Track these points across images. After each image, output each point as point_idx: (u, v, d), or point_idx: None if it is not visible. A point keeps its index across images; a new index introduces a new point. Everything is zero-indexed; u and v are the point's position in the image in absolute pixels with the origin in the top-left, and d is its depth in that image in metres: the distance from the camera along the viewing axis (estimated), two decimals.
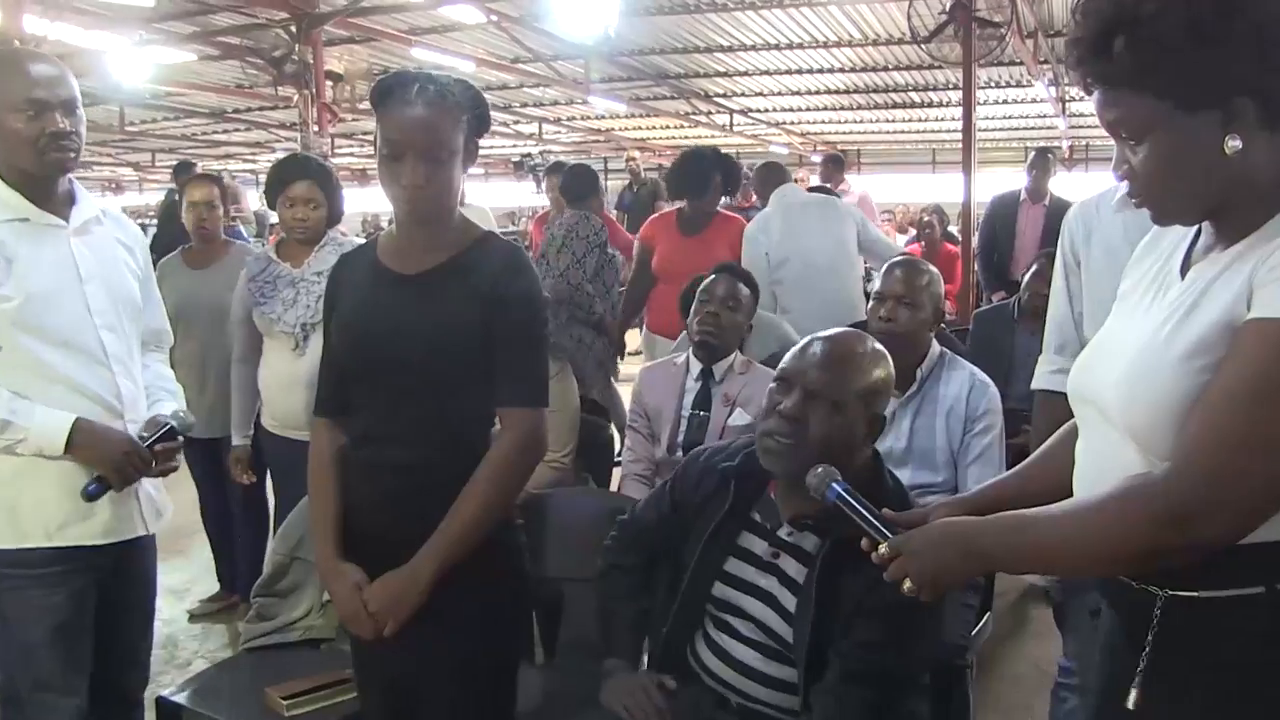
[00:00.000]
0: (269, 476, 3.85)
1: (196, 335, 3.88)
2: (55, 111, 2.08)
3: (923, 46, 7.82)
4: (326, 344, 2.10)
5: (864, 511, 1.48)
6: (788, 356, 1.98)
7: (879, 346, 2.01)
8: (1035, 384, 2.44)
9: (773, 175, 5.57)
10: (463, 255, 1.94)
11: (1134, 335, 1.31)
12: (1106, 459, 1.31)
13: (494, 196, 19.32)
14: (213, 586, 4.43)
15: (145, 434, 2.20)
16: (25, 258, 2.09)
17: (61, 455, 2.09)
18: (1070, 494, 1.38)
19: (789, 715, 1.97)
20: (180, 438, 2.28)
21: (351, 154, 21.76)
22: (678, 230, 4.86)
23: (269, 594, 3.08)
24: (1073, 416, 1.46)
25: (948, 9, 7.49)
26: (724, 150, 5.43)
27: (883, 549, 1.38)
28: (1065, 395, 1.46)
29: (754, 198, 7.91)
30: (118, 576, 2.28)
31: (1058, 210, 6.56)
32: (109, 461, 2.12)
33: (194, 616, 4.28)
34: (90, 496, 2.10)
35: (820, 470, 1.59)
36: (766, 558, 2.00)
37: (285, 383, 3.39)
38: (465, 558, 1.88)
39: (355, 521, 1.99)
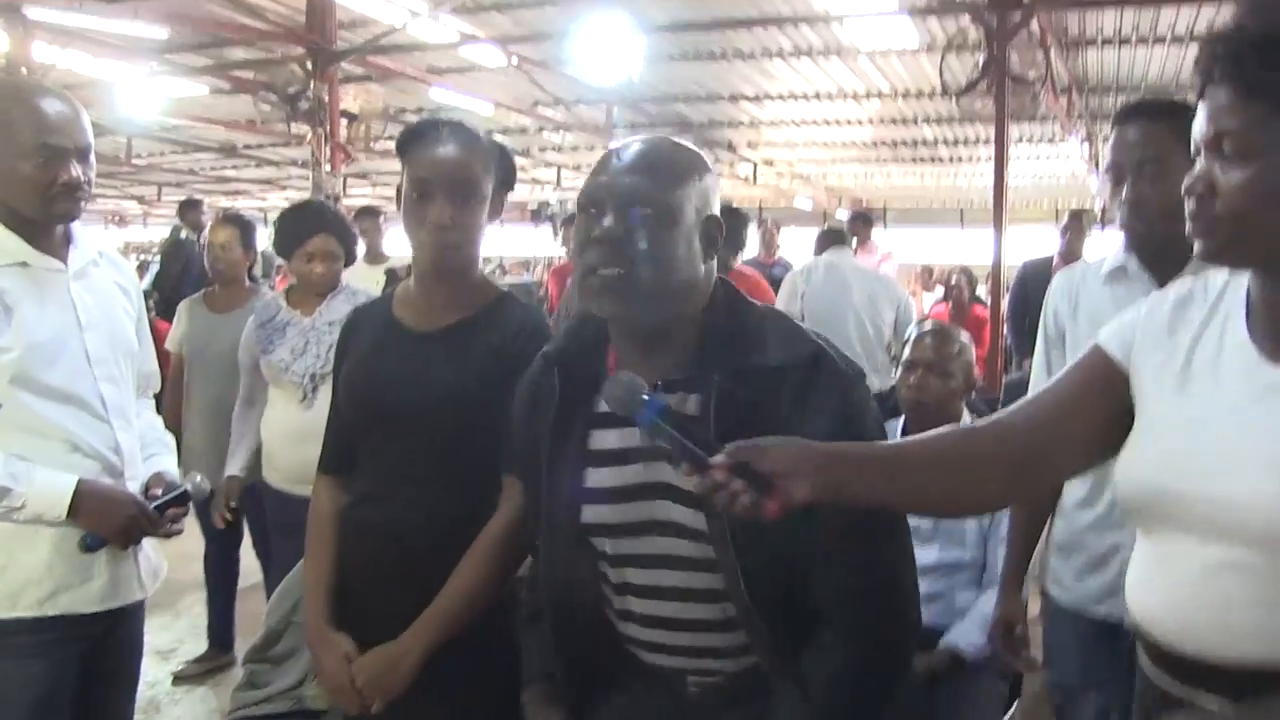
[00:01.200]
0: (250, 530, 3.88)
1: (214, 379, 3.85)
2: (70, 159, 1.96)
3: (955, 102, 7.52)
4: (334, 398, 2.04)
5: (685, 441, 1.25)
6: (587, 178, 1.53)
7: (687, 144, 1.59)
8: None
9: (831, 237, 5.59)
10: (480, 314, 1.91)
11: (1258, 435, 1.17)
12: (1223, 576, 1.18)
13: (509, 244, 19.13)
14: (201, 646, 4.24)
15: (157, 493, 2.10)
16: (25, 305, 1.97)
17: (64, 521, 1.96)
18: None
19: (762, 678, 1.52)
20: (190, 504, 2.18)
21: (364, 194, 21.67)
22: None
23: (261, 660, 2.84)
24: (1050, 506, 1.84)
25: (981, 65, 7.22)
26: (738, 204, 5.17)
27: (725, 452, 1.22)
28: None
29: (777, 254, 7.70)
30: (105, 643, 2.13)
31: None
32: (114, 525, 2.00)
33: (179, 679, 4.10)
34: (89, 548, 1.99)
35: (621, 388, 1.32)
36: (643, 444, 1.48)
37: (290, 435, 3.27)
38: (459, 633, 1.80)
39: (351, 585, 1.93)
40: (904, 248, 14.82)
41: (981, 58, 7.38)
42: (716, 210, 1.51)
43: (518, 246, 21.19)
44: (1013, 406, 1.41)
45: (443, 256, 1.87)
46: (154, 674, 4.10)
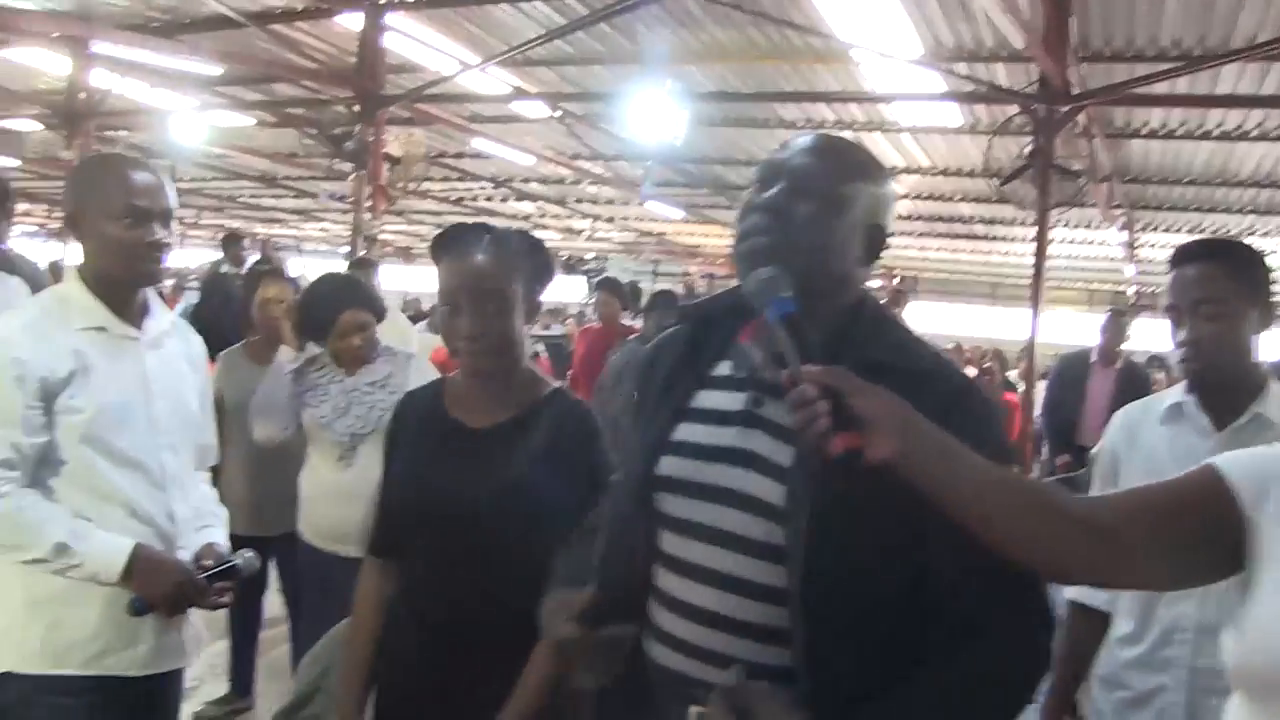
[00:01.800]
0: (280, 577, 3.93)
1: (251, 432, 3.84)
2: (155, 222, 2.05)
3: (997, 188, 7.49)
4: (385, 483, 2.05)
5: (794, 348, 1.23)
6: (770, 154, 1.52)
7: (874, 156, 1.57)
8: (1068, 593, 2.30)
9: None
10: (531, 412, 1.92)
11: None
12: None
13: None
14: (218, 685, 4.26)
15: (208, 564, 2.14)
16: (100, 369, 2.04)
17: (116, 583, 2.01)
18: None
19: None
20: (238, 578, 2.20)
21: (399, 230, 21.82)
22: None
23: None
24: (1100, 637, 1.88)
25: (1026, 154, 7.19)
26: None
27: (831, 369, 1.20)
28: (1099, 612, 1.55)
29: None
30: (146, 707, 2.18)
31: (1130, 375, 6.44)
32: (163, 592, 2.04)
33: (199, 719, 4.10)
34: (136, 612, 2.02)
35: (766, 274, 1.30)
36: (745, 408, 1.44)
37: (327, 494, 3.29)
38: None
39: (392, 672, 1.95)
40: (934, 321, 14.77)
41: (1027, 147, 7.37)
42: (885, 223, 1.47)
43: (550, 294, 21.24)
44: (1104, 494, 1.38)
45: (478, 364, 1.89)
46: None
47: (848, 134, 10.47)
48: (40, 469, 2.01)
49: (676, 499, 1.45)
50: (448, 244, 1.89)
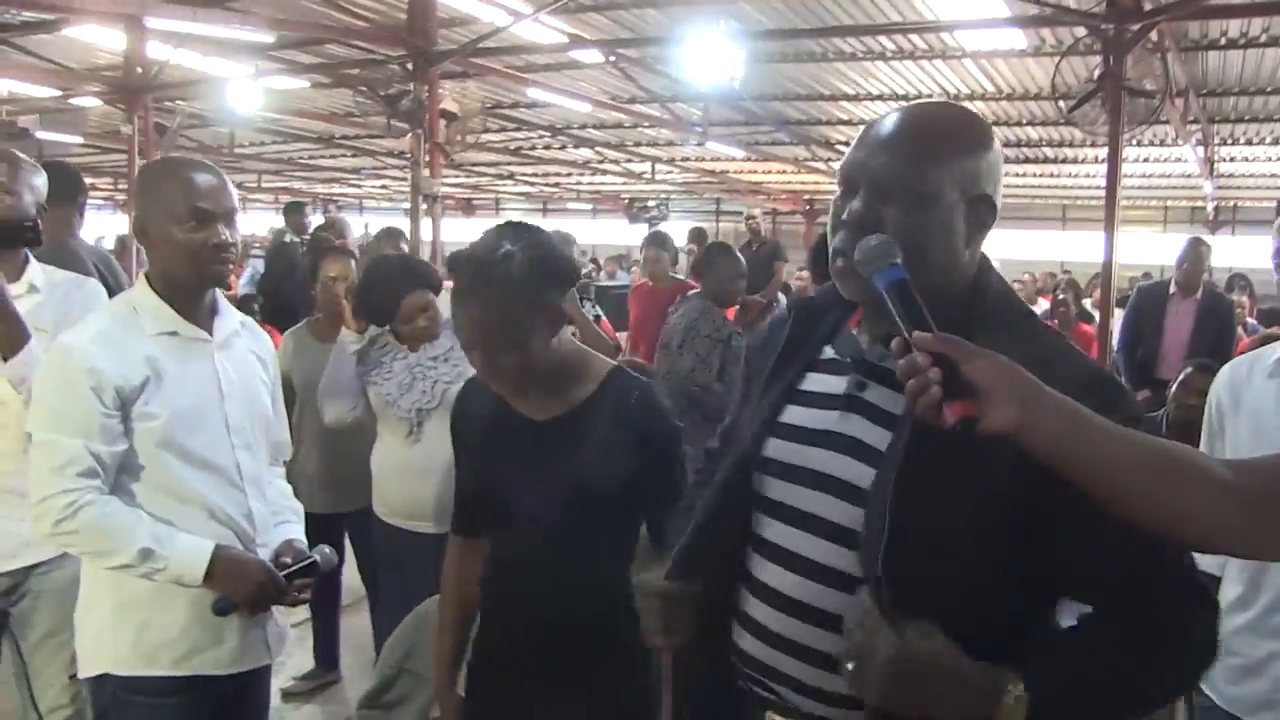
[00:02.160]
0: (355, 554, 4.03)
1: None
2: (219, 223, 2.06)
3: (1067, 114, 7.22)
4: (459, 471, 2.09)
5: (903, 315, 1.19)
6: (848, 151, 1.42)
7: (968, 110, 1.46)
8: None
9: None
10: (594, 398, 1.91)
11: None
12: None
13: (600, 234, 19.00)
14: (304, 657, 4.35)
15: (287, 561, 2.18)
16: (173, 374, 2.07)
17: (200, 585, 2.04)
18: None
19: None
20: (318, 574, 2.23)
21: (460, 184, 21.83)
22: None
23: (374, 706, 2.97)
24: None
25: (1095, 77, 6.91)
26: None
27: (941, 335, 1.14)
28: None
29: None
30: (234, 705, 2.22)
31: (1212, 305, 6.26)
32: (245, 592, 2.07)
33: (287, 695, 4.20)
34: (220, 612, 2.05)
35: (875, 242, 1.27)
36: (847, 391, 1.40)
37: (398, 470, 3.32)
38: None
39: (491, 647, 1.99)
40: (1005, 247, 14.41)
41: (1097, 70, 7.10)
42: (991, 189, 1.36)
43: (612, 237, 21.18)
44: (1256, 458, 1.25)
45: (508, 391, 1.91)
46: None
47: (907, 64, 10.28)
48: (120, 475, 2.04)
49: (775, 481, 1.42)
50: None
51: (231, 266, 2.15)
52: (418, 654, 2.67)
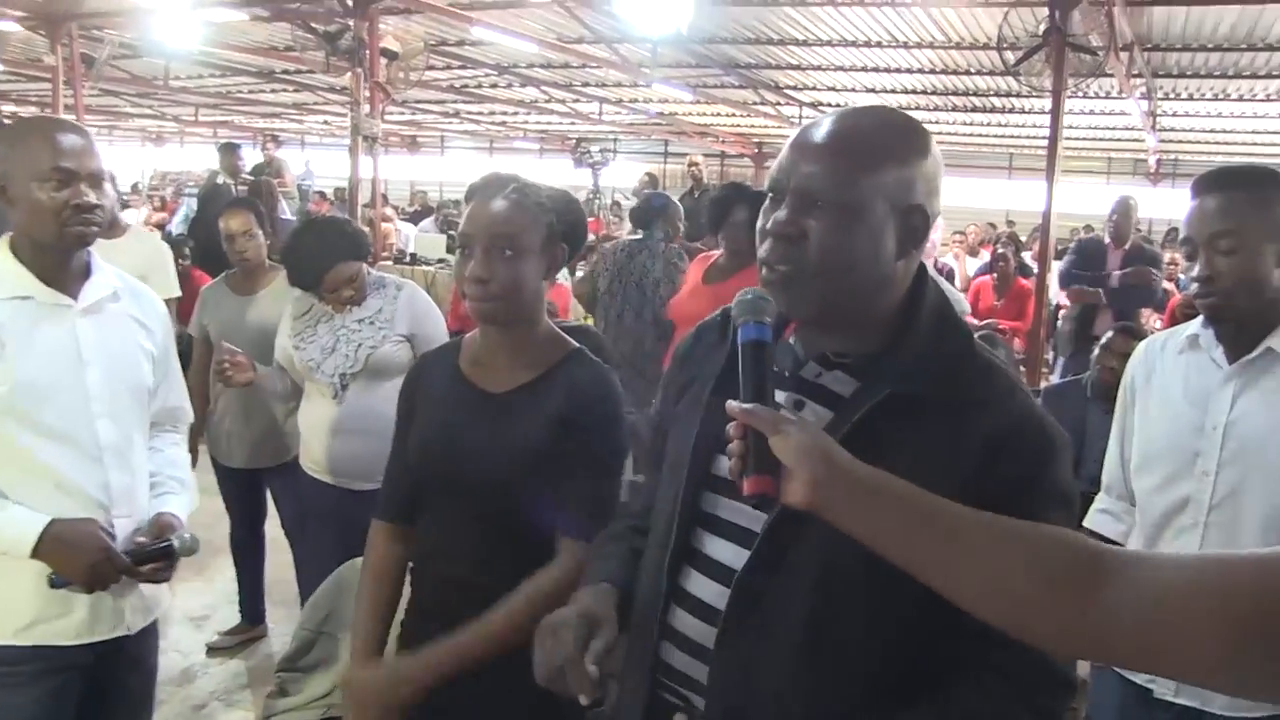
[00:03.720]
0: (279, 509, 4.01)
1: None
2: (82, 183, 2.01)
3: (1012, 68, 7.21)
4: (400, 447, 2.03)
5: (743, 378, 1.21)
6: (778, 157, 1.38)
7: (906, 116, 1.39)
8: (1085, 521, 2.36)
9: None
10: (549, 375, 1.90)
11: None
12: None
13: (547, 174, 18.83)
14: (233, 616, 4.33)
15: (142, 541, 2.10)
16: (20, 340, 2.00)
17: (27, 558, 1.97)
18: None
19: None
20: (177, 560, 2.13)
21: (406, 121, 21.43)
22: (701, 274, 4.35)
23: (292, 669, 2.90)
24: None
25: (1040, 31, 6.90)
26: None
27: (745, 407, 1.15)
28: (1107, 540, 1.30)
29: None
30: (107, 668, 2.16)
31: (1136, 256, 6.53)
32: (78, 569, 1.99)
33: (212, 650, 4.18)
34: (54, 586, 1.99)
35: (750, 296, 1.28)
36: (783, 405, 1.33)
37: (325, 428, 3.30)
38: (478, 667, 1.80)
39: (421, 632, 1.93)
40: (952, 195, 14.49)
41: (1041, 16, 7.09)
42: (925, 200, 1.30)
43: (559, 178, 20.95)
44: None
45: (483, 310, 1.84)
46: (187, 643, 4.21)
47: (856, 10, 10.19)
48: None
49: (717, 498, 1.40)
50: (474, 191, 1.88)
51: (97, 228, 2.06)
52: (336, 618, 2.64)
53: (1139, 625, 0.91)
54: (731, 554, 1.35)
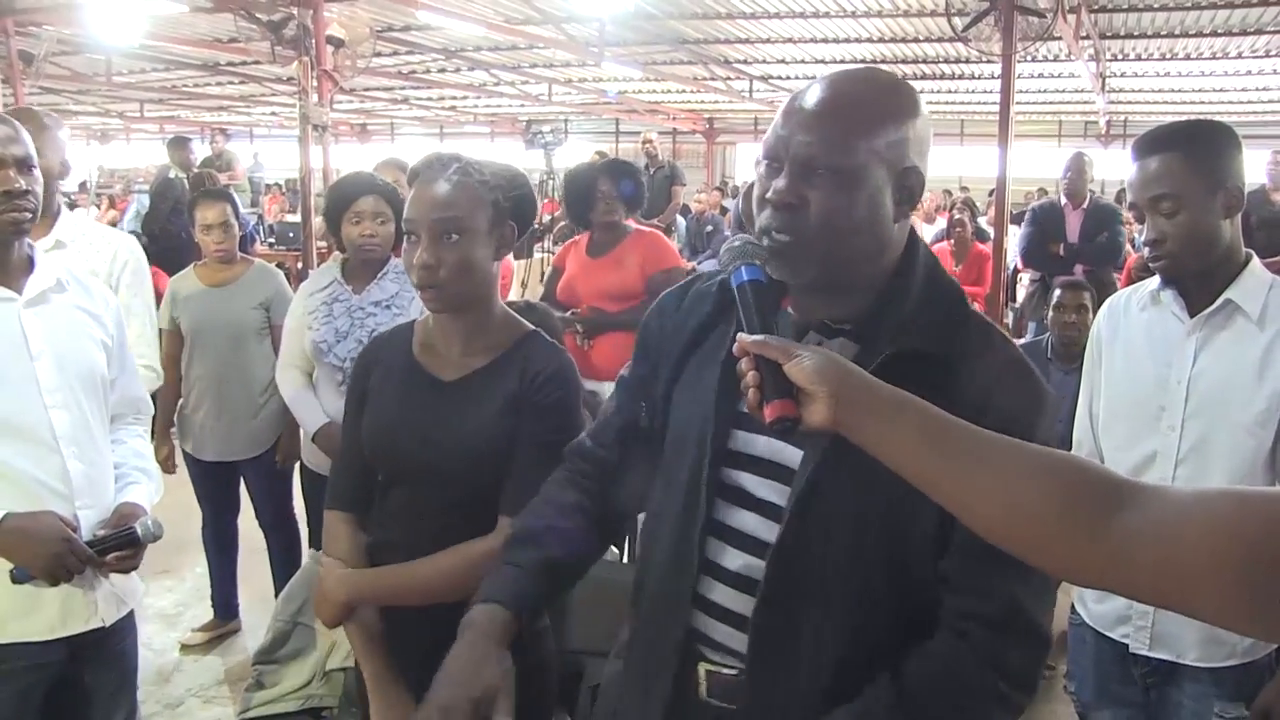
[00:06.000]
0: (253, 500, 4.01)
1: (213, 355, 3.83)
2: (9, 169, 1.97)
3: (959, 36, 7.23)
4: (350, 434, 2.00)
5: (745, 316, 1.23)
6: (771, 125, 1.36)
7: (893, 77, 1.39)
8: None
9: None
10: (502, 358, 1.88)
11: None
12: None
13: (498, 158, 18.70)
14: (206, 613, 4.26)
15: (104, 533, 2.06)
16: None
17: None
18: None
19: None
20: (142, 547, 2.09)
21: (355, 109, 21.16)
22: (585, 252, 4.44)
23: (269, 661, 3.02)
24: None
25: None
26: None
27: (757, 338, 1.16)
28: None
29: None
30: (82, 662, 2.13)
31: (1095, 212, 6.58)
32: (39, 561, 1.95)
33: (185, 648, 4.11)
34: (16, 580, 1.95)
35: (738, 243, 1.29)
36: None
37: (330, 418, 3.25)
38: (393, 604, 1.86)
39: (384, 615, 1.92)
40: None
41: None
42: (919, 160, 1.31)
43: (510, 160, 20.79)
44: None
45: (428, 297, 1.83)
46: (160, 641, 4.15)
47: None
48: None
49: (735, 471, 1.41)
50: (415, 174, 1.84)
51: (29, 215, 2.01)
52: (310, 608, 2.62)
53: (1151, 558, 0.90)
54: (755, 523, 1.37)
